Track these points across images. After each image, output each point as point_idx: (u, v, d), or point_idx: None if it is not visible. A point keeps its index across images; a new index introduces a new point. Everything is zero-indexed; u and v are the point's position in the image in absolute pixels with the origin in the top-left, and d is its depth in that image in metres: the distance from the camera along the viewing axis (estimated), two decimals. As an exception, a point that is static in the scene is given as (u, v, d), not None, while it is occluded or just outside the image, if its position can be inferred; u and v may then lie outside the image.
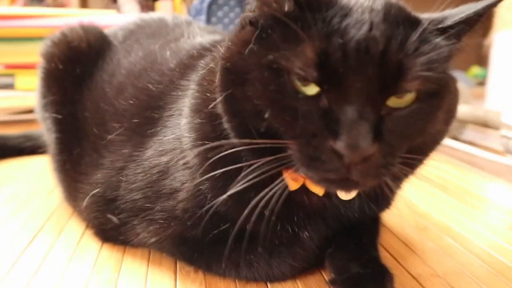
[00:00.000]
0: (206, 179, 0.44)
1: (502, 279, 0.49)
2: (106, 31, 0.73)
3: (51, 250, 0.55)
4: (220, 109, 0.41)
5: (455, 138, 1.27)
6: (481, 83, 2.22)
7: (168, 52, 0.59)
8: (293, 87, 0.35)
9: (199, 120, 0.45)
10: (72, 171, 0.59)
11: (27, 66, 1.24)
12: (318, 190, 0.42)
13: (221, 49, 0.43)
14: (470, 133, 1.30)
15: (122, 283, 0.47)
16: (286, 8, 0.36)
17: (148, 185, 0.49)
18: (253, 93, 0.37)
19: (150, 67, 0.58)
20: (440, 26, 0.38)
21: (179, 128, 0.48)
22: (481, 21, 0.40)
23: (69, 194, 0.61)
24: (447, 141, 1.18)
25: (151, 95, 0.55)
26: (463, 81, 2.15)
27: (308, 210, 0.45)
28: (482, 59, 1.78)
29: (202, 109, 0.45)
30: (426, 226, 0.63)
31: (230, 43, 0.41)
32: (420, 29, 0.36)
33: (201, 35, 0.64)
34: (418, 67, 0.35)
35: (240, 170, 0.41)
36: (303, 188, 0.43)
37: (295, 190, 0.42)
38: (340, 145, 0.33)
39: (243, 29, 0.41)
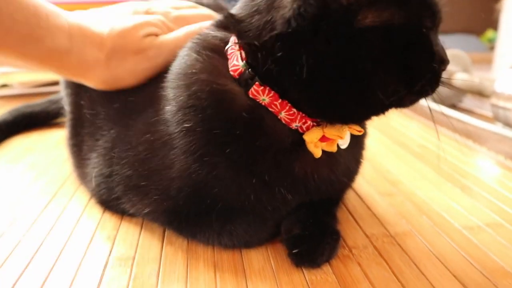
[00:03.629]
0: (207, 157, 0.49)
1: (447, 239, 0.56)
2: None
3: (64, 211, 0.65)
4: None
5: (454, 106, 1.31)
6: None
7: None
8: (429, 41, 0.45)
9: (195, 113, 0.49)
10: (79, 155, 0.66)
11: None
12: (333, 147, 0.49)
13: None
14: (468, 101, 1.33)
15: (120, 238, 0.57)
16: None
17: (138, 161, 0.54)
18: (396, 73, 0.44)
19: None
20: None
21: (162, 112, 0.52)
22: None
23: (79, 175, 0.68)
24: (442, 109, 1.23)
25: None
26: (475, 46, 2.13)
27: (297, 176, 0.51)
28: (496, 23, 1.76)
29: (199, 105, 0.49)
30: (392, 192, 0.70)
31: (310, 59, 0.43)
32: None
33: None
34: None
35: (251, 146, 0.48)
36: (301, 154, 0.50)
37: (291, 155, 0.49)
38: (446, 65, 0.47)
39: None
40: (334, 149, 0.50)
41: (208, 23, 0.57)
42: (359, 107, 0.46)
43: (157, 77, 0.57)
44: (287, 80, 0.46)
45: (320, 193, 0.53)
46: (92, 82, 0.59)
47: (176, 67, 0.53)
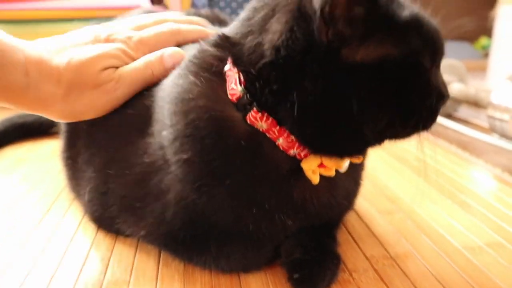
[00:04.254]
0: (205, 188, 0.48)
1: (448, 260, 0.56)
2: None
3: (58, 227, 0.63)
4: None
5: (449, 115, 1.31)
6: (489, 54, 2.20)
7: None
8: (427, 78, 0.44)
9: (193, 143, 0.47)
10: (74, 167, 0.64)
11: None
12: (331, 172, 0.48)
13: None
14: (464, 110, 1.33)
15: (114, 260, 0.55)
16: None
17: (135, 182, 0.53)
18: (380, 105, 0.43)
19: None
20: None
21: (159, 136, 0.51)
22: None
23: (73, 187, 0.66)
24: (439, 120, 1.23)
25: None
26: (468, 53, 2.14)
27: (296, 202, 0.49)
28: (490, 31, 1.77)
29: (197, 135, 0.47)
30: (392, 210, 0.69)
31: (310, 88, 0.42)
32: None
33: None
34: None
35: (252, 176, 0.47)
36: (300, 180, 0.48)
37: (290, 182, 0.48)
38: (446, 100, 0.47)
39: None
40: (332, 173, 0.49)
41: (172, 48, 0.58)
42: (352, 143, 0.46)
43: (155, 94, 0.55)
44: (281, 113, 0.45)
45: (320, 217, 0.52)
46: (53, 115, 0.57)
47: (173, 90, 0.50)
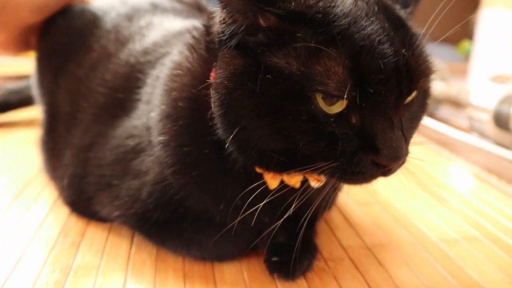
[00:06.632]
0: (178, 176, 0.47)
1: (424, 252, 0.55)
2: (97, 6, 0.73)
3: (27, 213, 0.61)
4: (225, 140, 0.40)
5: (430, 115, 1.32)
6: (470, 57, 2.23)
7: (137, 37, 0.62)
8: (322, 111, 0.36)
9: (171, 126, 0.46)
10: (53, 148, 0.63)
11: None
12: (295, 183, 0.44)
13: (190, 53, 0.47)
14: (444, 110, 1.34)
15: (85, 245, 0.54)
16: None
17: (115, 162, 0.52)
18: (273, 128, 0.37)
19: (119, 50, 0.61)
20: None
21: (147, 117, 0.50)
22: None
23: (49, 169, 0.65)
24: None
25: (117, 76, 0.58)
26: (451, 56, 2.17)
27: (275, 200, 0.45)
28: (473, 34, 1.79)
29: (174, 115, 0.46)
30: (369, 202, 0.69)
31: (219, 72, 0.39)
32: (410, 26, 0.40)
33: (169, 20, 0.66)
34: (423, 66, 0.38)
35: (219, 170, 0.45)
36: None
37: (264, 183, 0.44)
38: (382, 159, 0.36)
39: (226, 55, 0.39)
40: (296, 185, 0.44)
41: None
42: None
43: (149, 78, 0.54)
44: None
45: (297, 213, 0.50)
46: None
47: (167, 68, 0.49)
